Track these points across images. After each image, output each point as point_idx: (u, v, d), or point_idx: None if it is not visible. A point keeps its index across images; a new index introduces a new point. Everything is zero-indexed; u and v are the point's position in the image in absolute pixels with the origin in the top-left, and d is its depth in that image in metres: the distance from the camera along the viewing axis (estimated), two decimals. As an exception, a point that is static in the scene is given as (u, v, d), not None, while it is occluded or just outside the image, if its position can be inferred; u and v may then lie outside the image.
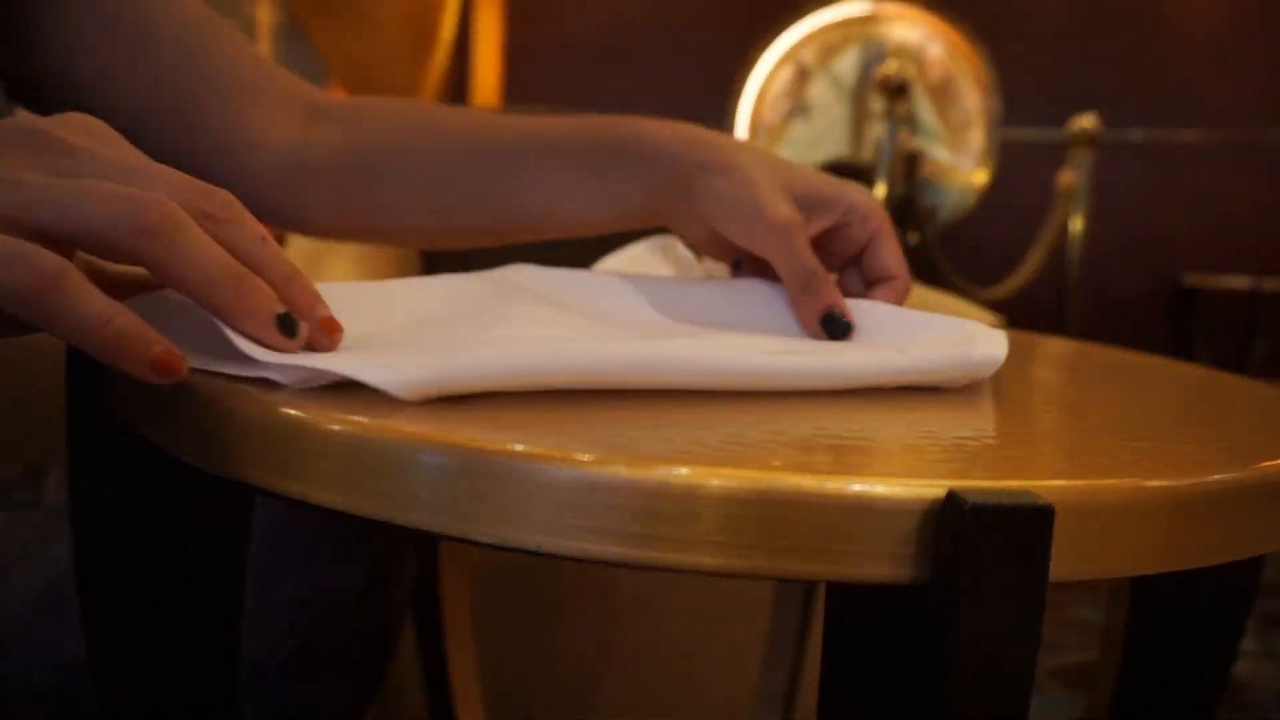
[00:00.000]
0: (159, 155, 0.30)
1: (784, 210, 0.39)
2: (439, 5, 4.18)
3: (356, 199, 0.49)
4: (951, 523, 0.22)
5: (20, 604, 0.48)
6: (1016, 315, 1.41)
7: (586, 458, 0.24)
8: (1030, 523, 0.22)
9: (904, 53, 4.07)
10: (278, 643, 0.51)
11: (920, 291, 1.32)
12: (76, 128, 0.29)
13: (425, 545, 0.73)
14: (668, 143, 0.42)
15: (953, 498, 0.22)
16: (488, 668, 0.82)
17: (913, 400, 0.36)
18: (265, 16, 4.88)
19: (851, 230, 0.42)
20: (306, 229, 0.52)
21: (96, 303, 0.25)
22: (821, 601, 0.71)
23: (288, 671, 0.51)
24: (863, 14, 4.13)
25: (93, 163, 0.28)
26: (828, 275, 0.40)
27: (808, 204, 0.41)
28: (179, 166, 0.29)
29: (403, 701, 0.93)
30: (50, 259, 0.25)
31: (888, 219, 0.42)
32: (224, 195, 0.29)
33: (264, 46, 4.89)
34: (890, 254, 0.42)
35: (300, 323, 0.29)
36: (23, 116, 0.31)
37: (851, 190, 0.41)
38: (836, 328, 0.39)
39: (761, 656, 0.72)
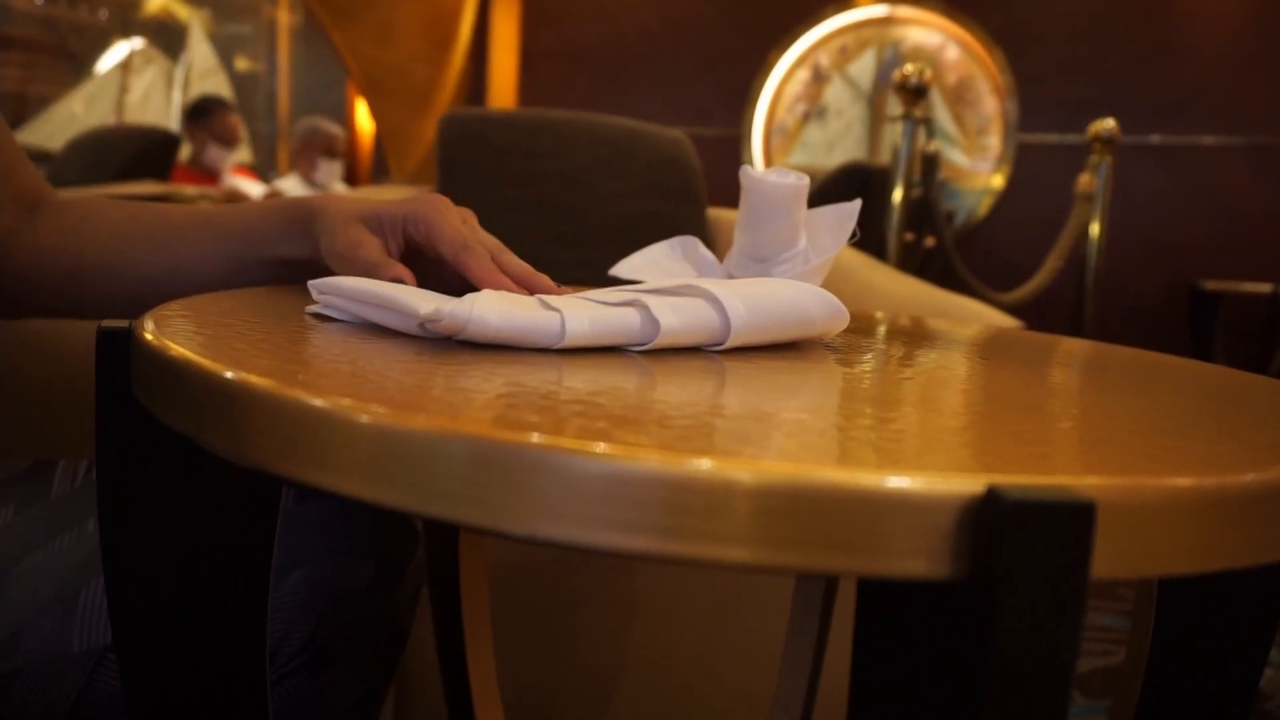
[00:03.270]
0: None
1: (341, 240, 0.52)
2: (457, 10, 4.20)
3: (55, 296, 0.60)
4: (991, 519, 0.21)
5: (29, 597, 0.48)
6: (1034, 319, 1.40)
7: (617, 450, 0.23)
8: (1072, 520, 0.21)
9: (921, 56, 4.06)
10: (287, 633, 0.51)
11: (936, 294, 1.31)
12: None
13: (443, 539, 0.73)
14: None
15: (993, 493, 0.22)
16: (505, 663, 0.82)
17: (931, 396, 0.35)
18: (285, 20, 4.91)
19: (417, 228, 0.52)
20: None
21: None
22: (842, 600, 0.71)
23: (298, 662, 0.51)
24: (879, 17, 4.12)
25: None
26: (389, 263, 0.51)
27: (376, 225, 0.53)
28: None
29: (421, 696, 0.93)
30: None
31: (437, 208, 0.52)
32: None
33: (284, 49, 4.93)
34: (446, 232, 0.52)
35: None
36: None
37: (410, 203, 0.53)
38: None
39: (780, 655, 0.71)
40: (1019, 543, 0.21)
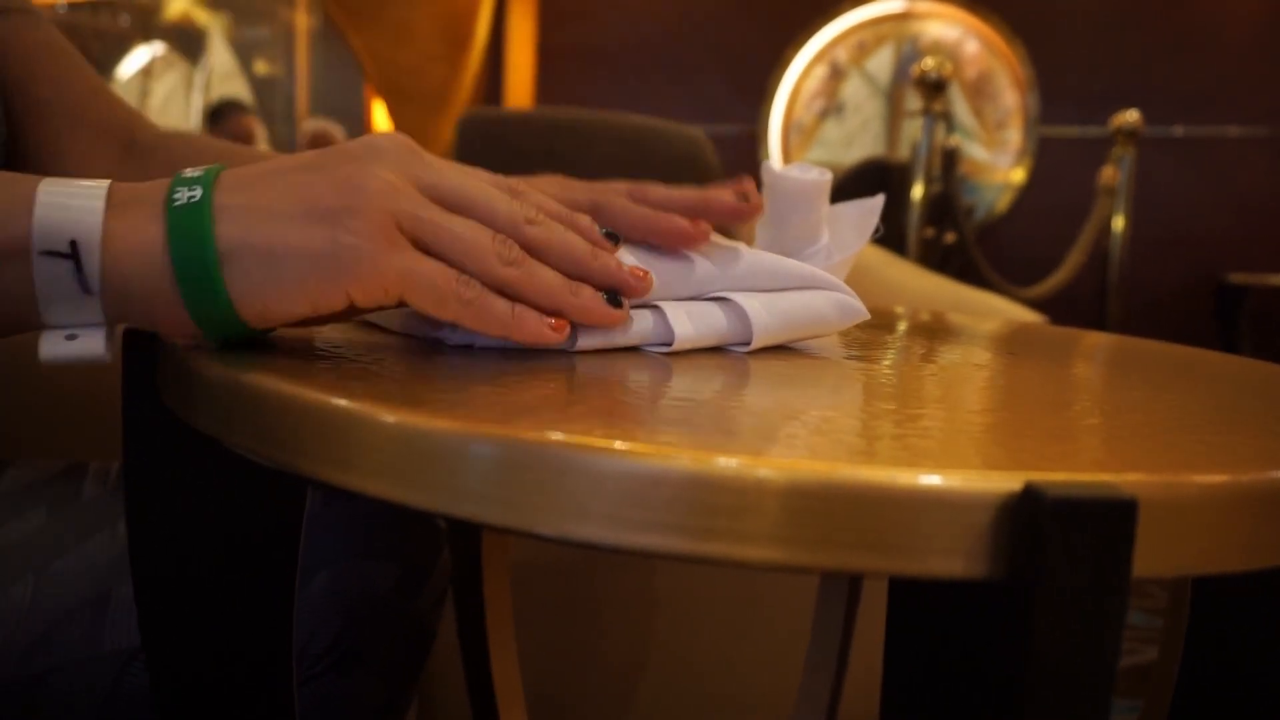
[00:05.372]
0: None
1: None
2: (473, 9, 4.21)
3: None
4: (1030, 517, 0.21)
5: (60, 599, 0.49)
6: (1057, 314, 1.38)
7: (648, 449, 0.23)
8: (1114, 517, 0.21)
9: (939, 50, 4.03)
10: (312, 636, 0.51)
11: (957, 290, 1.30)
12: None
13: (466, 542, 0.73)
14: None
15: (1031, 490, 0.21)
16: (528, 662, 0.81)
17: (958, 392, 0.35)
18: (303, 22, 4.94)
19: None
20: None
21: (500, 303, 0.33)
22: (867, 598, 0.70)
23: (323, 664, 0.51)
24: (897, 11, 4.09)
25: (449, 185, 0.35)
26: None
27: None
28: None
29: (445, 698, 0.93)
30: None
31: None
32: (534, 198, 0.36)
33: (302, 53, 4.96)
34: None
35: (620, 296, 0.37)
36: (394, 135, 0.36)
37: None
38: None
39: (805, 656, 0.71)
40: (1059, 541, 0.21)
